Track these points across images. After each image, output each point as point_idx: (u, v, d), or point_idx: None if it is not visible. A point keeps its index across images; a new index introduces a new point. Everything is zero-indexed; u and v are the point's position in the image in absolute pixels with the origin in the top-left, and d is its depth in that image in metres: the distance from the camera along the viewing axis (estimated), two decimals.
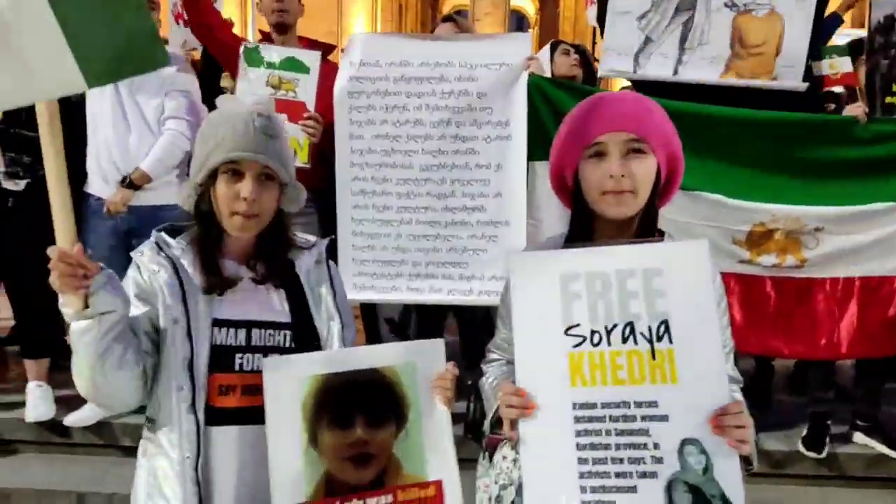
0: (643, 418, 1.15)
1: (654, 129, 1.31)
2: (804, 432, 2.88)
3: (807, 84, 2.74)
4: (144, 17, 1.23)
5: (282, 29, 2.99)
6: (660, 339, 1.17)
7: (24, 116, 3.10)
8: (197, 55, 3.93)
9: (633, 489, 1.14)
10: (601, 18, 2.86)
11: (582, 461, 1.15)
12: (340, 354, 1.40)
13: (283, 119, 2.69)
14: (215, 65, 3.40)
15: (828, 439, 2.84)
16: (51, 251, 1.21)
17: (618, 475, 1.15)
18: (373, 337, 3.88)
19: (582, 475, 1.15)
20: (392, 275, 2.83)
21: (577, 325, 1.19)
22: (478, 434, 1.51)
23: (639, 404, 1.16)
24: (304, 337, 1.43)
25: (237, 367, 1.38)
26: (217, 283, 1.39)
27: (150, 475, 1.38)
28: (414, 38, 2.82)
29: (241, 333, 1.40)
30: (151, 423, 1.40)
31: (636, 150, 1.29)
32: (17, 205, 3.09)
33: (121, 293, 1.29)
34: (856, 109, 2.65)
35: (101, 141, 3.06)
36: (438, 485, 1.31)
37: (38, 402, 3.06)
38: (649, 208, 1.32)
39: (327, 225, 2.87)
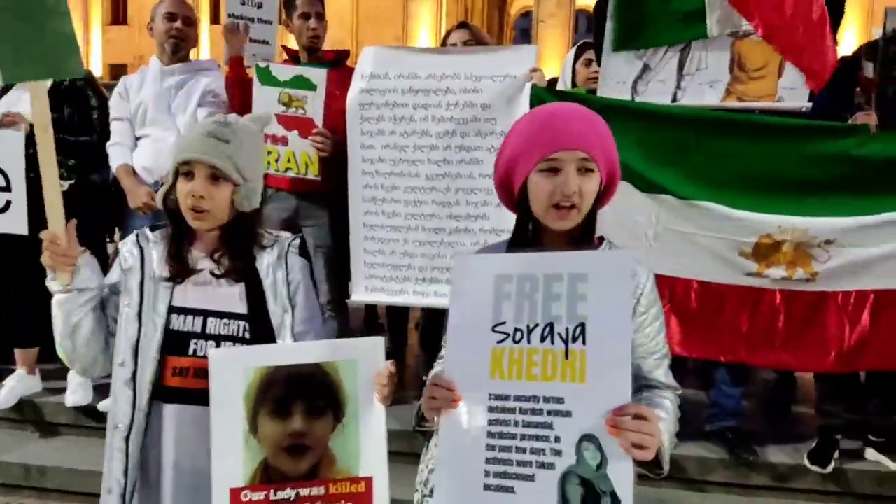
0: (549, 413, 1.21)
1: (601, 148, 1.37)
2: (812, 446, 2.85)
3: (810, 104, 2.70)
4: (65, 26, 1.41)
5: (312, 50, 3.20)
6: (574, 340, 1.23)
7: (70, 123, 3.36)
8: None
9: (531, 478, 1.20)
10: (597, 49, 2.89)
11: (490, 448, 1.23)
12: (285, 348, 1.50)
13: (295, 134, 2.85)
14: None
15: (836, 454, 2.80)
16: (43, 234, 1.46)
17: (519, 463, 1.21)
18: (399, 338, 4.02)
19: (488, 461, 1.22)
20: (400, 279, 2.94)
21: (503, 322, 1.26)
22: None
23: (547, 399, 1.22)
24: (259, 328, 1.55)
25: (191, 352, 1.53)
26: (176, 272, 1.56)
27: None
28: (422, 52, 2.93)
29: (198, 321, 1.54)
30: None
31: (587, 169, 1.35)
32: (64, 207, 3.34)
33: (98, 275, 1.54)
34: (866, 118, 2.60)
35: (141, 145, 3.28)
36: (369, 481, 1.38)
37: (76, 389, 3.32)
38: (590, 218, 1.40)
39: (339, 229, 3.00)
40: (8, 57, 1.37)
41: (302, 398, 1.37)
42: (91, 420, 3.31)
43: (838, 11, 2.76)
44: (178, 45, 3.30)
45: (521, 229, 1.44)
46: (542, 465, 1.20)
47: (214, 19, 18.85)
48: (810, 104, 2.74)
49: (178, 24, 3.27)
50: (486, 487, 1.22)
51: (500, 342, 1.26)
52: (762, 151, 2.70)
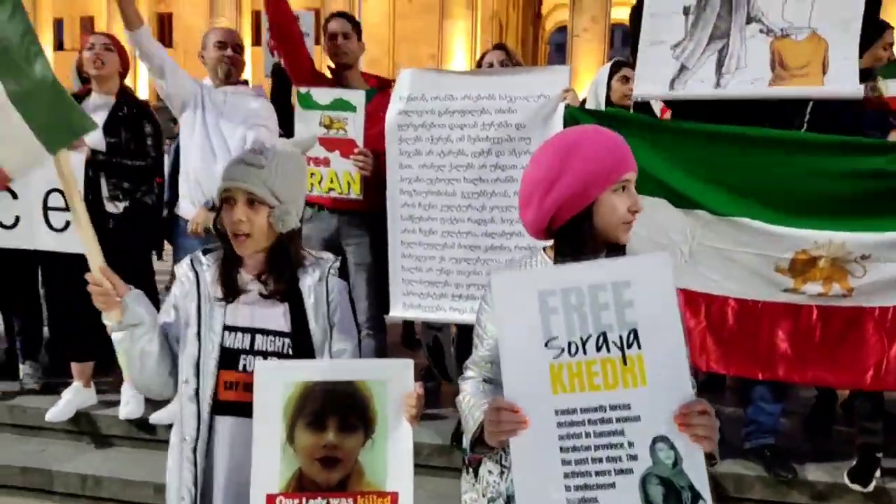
0: (618, 420, 1.26)
1: None
2: (853, 464, 2.82)
3: (862, 89, 2.67)
4: (67, 100, 1.61)
5: (343, 68, 3.29)
6: (630, 346, 1.27)
7: (126, 148, 3.54)
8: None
9: (612, 486, 1.25)
10: (633, 48, 2.93)
11: (566, 462, 1.27)
12: (322, 365, 1.59)
13: (336, 154, 2.96)
14: (287, 89, 3.73)
15: (878, 473, 2.76)
16: (88, 277, 1.56)
17: (598, 473, 1.26)
18: (437, 354, 4.05)
19: (566, 475, 1.27)
20: (437, 295, 3.02)
21: (556, 337, 1.30)
22: (461, 449, 1.63)
23: (613, 407, 1.26)
24: (301, 345, 1.65)
25: (241, 367, 1.64)
26: (227, 293, 1.67)
27: (171, 454, 1.69)
28: (457, 74, 3.02)
29: (247, 338, 1.66)
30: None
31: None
32: (116, 226, 3.52)
33: (147, 306, 1.61)
34: None
35: (191, 169, 3.42)
36: (394, 496, 1.44)
37: (129, 401, 3.48)
38: None
39: (379, 248, 3.10)
40: (46, 130, 1.54)
41: (336, 413, 1.45)
42: (143, 432, 3.46)
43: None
44: (230, 71, 3.46)
45: (574, 242, 1.47)
46: (620, 472, 1.25)
47: (256, 41, 19.40)
48: (862, 89, 2.69)
49: (228, 51, 3.44)
50: (570, 502, 1.26)
51: (556, 357, 1.30)
52: (797, 167, 2.71)
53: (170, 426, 3.35)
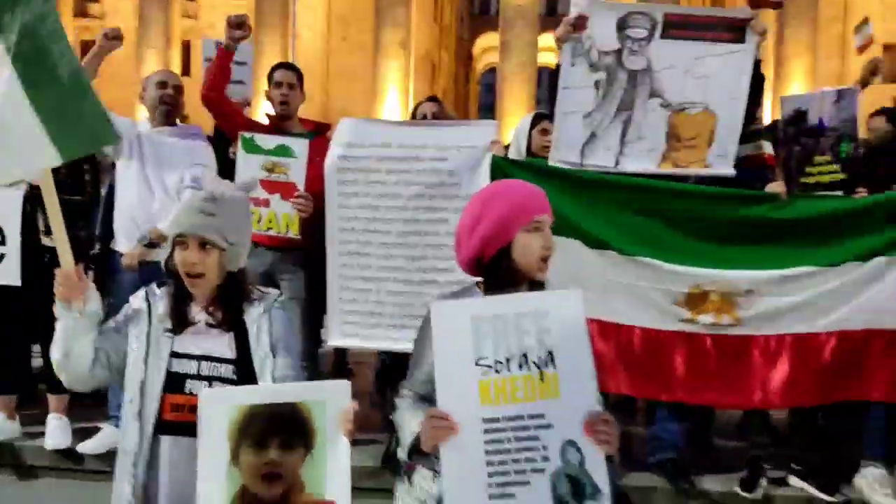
0: (535, 427, 1.52)
1: None
2: (743, 474, 3.17)
3: (734, 171, 3.12)
4: (97, 104, 1.74)
5: (284, 117, 3.52)
6: (546, 365, 1.54)
7: (63, 182, 3.59)
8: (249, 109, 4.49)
9: (527, 483, 1.50)
10: (552, 116, 3.29)
11: (490, 464, 1.51)
12: (265, 389, 1.73)
13: (277, 197, 3.17)
14: (225, 138, 3.90)
15: (764, 481, 3.12)
16: (59, 272, 1.77)
17: (516, 472, 1.50)
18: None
19: (489, 474, 1.50)
20: (373, 325, 3.23)
21: (485, 357, 1.55)
22: (394, 465, 1.84)
23: (531, 416, 1.52)
24: (244, 372, 1.81)
25: (186, 391, 1.79)
26: (177, 324, 1.84)
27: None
28: (394, 124, 3.29)
29: (194, 364, 1.81)
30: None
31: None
32: (52, 259, 3.55)
33: (100, 304, 1.82)
34: (777, 187, 3.04)
35: (126, 205, 3.51)
36: None
37: (55, 432, 3.45)
38: None
39: (315, 282, 3.30)
40: (61, 136, 1.66)
41: (278, 433, 1.58)
42: (70, 462, 3.43)
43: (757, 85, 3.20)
44: (169, 111, 3.60)
45: (497, 277, 1.74)
46: (535, 471, 1.50)
47: (185, 71, 19.25)
48: (734, 171, 3.16)
49: (169, 90, 3.58)
50: (491, 497, 1.50)
51: (484, 374, 1.55)
52: (692, 214, 3.14)
53: (98, 456, 3.39)
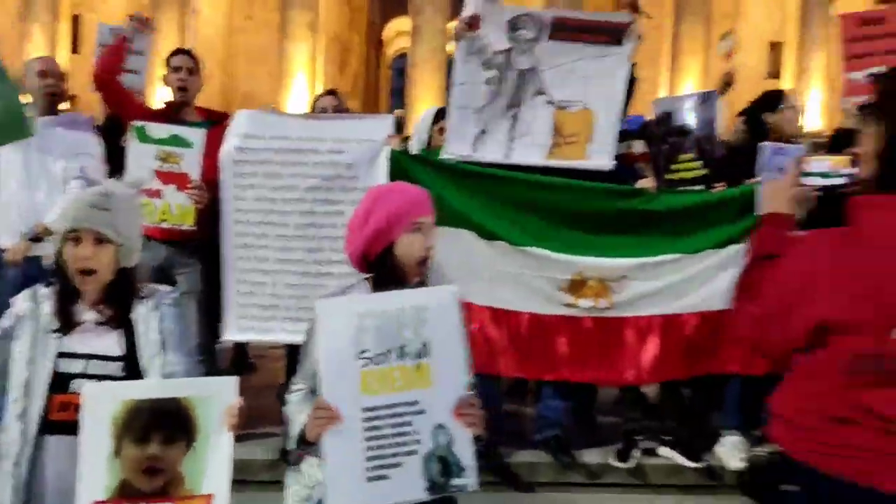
0: (409, 413, 1.65)
1: None
2: (618, 447, 3.46)
3: (613, 164, 3.38)
4: (16, 95, 1.70)
5: (182, 104, 3.47)
6: (421, 356, 1.67)
7: None
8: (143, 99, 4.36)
9: (399, 465, 1.63)
10: (442, 110, 3.44)
11: (369, 448, 1.62)
12: (149, 385, 1.76)
13: (172, 187, 3.14)
14: (117, 125, 3.79)
15: (637, 452, 3.42)
16: None
17: (392, 455, 1.63)
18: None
19: (367, 458, 1.62)
20: (269, 318, 3.27)
21: (367, 350, 1.66)
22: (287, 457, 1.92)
23: (406, 404, 1.65)
24: (132, 369, 1.82)
25: (72, 390, 1.77)
26: (64, 324, 1.83)
27: None
28: (292, 117, 3.32)
29: (81, 363, 1.81)
30: None
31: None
32: None
33: None
34: (647, 183, 3.32)
35: (8, 199, 3.37)
36: (209, 498, 1.62)
37: None
38: None
39: (212, 274, 3.30)
40: None
41: (160, 427, 1.62)
42: None
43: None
44: (52, 101, 3.48)
45: (385, 273, 1.85)
46: (407, 454, 1.63)
47: (75, 49, 18.09)
48: (613, 163, 3.42)
49: (49, 80, 3.45)
50: (369, 479, 1.62)
51: (365, 366, 1.66)
52: (573, 207, 3.38)
53: None
